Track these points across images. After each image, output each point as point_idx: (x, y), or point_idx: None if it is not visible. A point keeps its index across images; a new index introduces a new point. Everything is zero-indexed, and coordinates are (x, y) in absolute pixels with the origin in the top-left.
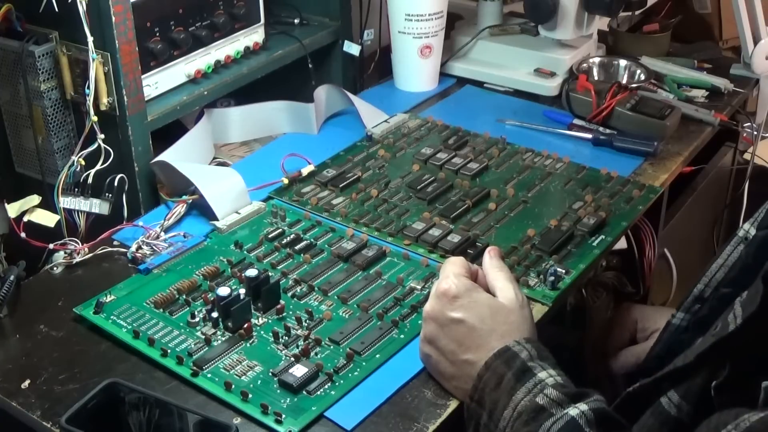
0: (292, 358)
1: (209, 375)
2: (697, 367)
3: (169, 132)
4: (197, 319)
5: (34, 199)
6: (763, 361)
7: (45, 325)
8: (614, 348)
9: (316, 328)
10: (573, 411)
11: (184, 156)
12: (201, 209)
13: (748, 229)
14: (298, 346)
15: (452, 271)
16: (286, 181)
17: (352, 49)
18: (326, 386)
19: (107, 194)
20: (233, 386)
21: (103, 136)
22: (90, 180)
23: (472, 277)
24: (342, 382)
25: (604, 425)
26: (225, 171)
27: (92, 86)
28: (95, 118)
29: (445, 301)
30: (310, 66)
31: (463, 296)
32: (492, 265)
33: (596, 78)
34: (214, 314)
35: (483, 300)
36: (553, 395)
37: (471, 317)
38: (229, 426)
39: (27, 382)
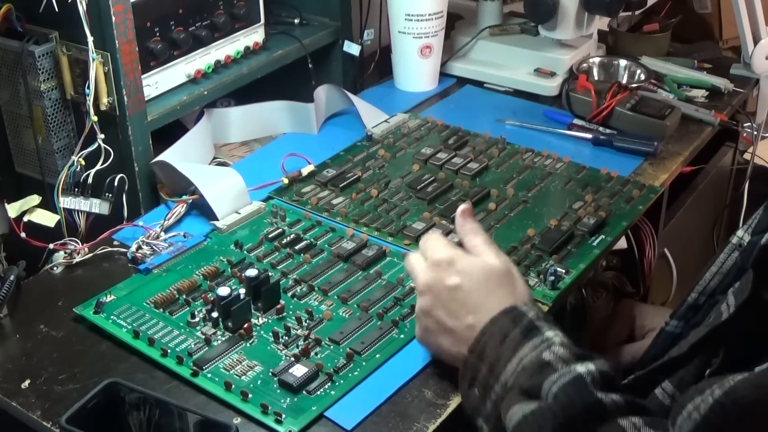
0: (292, 358)
1: (209, 375)
2: (691, 357)
3: (169, 132)
4: (197, 319)
5: (34, 199)
6: (755, 348)
7: (45, 325)
8: (612, 343)
9: (316, 328)
10: (580, 368)
11: (184, 156)
12: (201, 209)
13: (741, 235)
14: (298, 346)
15: (440, 242)
16: (286, 181)
17: (352, 49)
18: (326, 386)
19: (107, 194)
20: (233, 386)
21: (103, 136)
22: (90, 180)
23: None
24: (342, 382)
25: (608, 387)
26: (225, 171)
27: (92, 86)
28: (95, 118)
29: (441, 270)
30: (310, 66)
31: (458, 262)
32: (468, 230)
33: (596, 78)
34: (214, 314)
35: (476, 263)
36: (560, 352)
37: (467, 281)
38: (229, 426)
39: (27, 382)
